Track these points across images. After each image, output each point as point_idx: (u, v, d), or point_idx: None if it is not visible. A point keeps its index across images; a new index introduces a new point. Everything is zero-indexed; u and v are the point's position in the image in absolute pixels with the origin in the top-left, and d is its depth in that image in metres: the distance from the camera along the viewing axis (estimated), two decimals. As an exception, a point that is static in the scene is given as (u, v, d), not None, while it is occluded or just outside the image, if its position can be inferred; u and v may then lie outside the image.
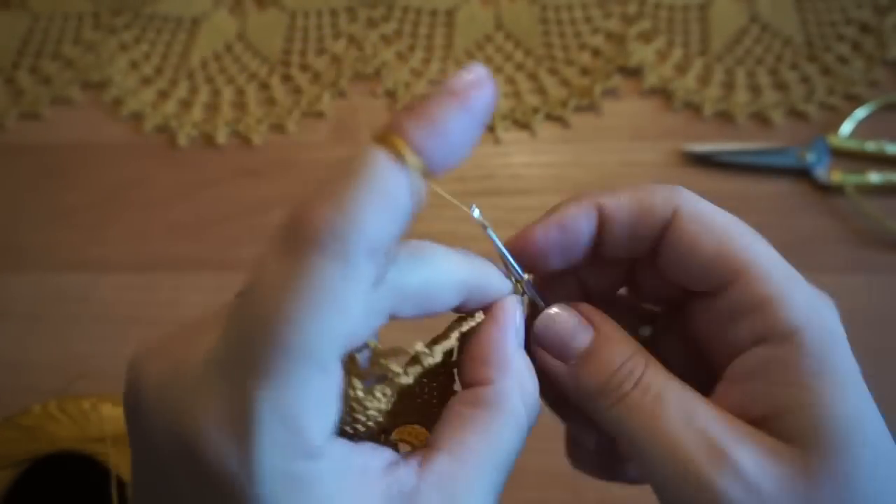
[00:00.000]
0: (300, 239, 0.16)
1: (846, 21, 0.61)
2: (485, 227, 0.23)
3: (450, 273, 0.20)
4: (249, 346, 0.16)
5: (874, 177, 0.54)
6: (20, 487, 0.41)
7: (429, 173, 0.17)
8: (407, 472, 0.19)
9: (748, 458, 0.19)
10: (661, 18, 0.63)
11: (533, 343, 0.23)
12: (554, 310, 0.23)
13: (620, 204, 0.22)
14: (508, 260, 0.23)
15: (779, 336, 0.19)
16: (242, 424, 0.16)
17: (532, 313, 0.24)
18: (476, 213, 0.23)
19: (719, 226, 0.21)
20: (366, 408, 0.20)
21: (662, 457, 0.20)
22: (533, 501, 0.46)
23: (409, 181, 0.16)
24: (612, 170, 0.57)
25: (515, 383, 0.21)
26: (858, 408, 0.18)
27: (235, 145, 0.60)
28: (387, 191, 0.16)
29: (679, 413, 0.20)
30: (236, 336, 0.17)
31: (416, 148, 0.17)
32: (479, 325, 0.22)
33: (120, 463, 0.40)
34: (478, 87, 0.18)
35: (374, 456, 0.19)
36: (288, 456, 0.16)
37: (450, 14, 0.65)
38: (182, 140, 0.60)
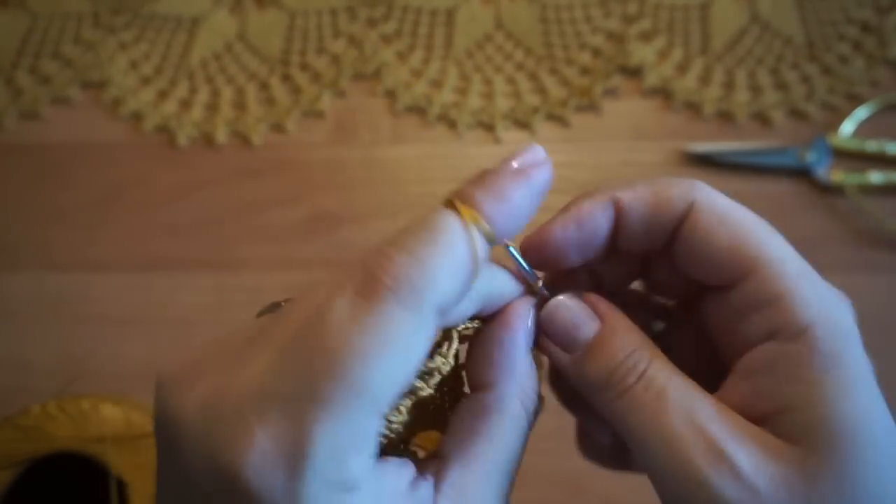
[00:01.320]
0: (379, 285, 0.17)
1: (847, 20, 0.61)
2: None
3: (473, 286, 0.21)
4: (312, 378, 0.17)
5: (875, 177, 0.54)
6: (20, 487, 0.41)
7: (494, 240, 0.19)
8: (426, 487, 0.19)
9: (747, 458, 0.19)
10: (662, 18, 0.63)
11: (541, 333, 0.23)
12: (561, 298, 0.23)
13: (637, 197, 0.22)
14: (521, 263, 0.23)
15: (789, 332, 0.19)
16: (296, 455, 0.16)
17: (541, 305, 0.23)
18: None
19: (735, 220, 0.21)
20: (391, 422, 0.20)
21: (662, 454, 0.20)
22: (533, 501, 0.46)
23: (478, 247, 0.18)
24: (612, 170, 0.57)
25: (518, 387, 0.21)
26: (866, 408, 0.18)
27: (235, 145, 0.60)
28: (459, 254, 0.18)
29: (680, 410, 0.20)
30: (296, 367, 0.17)
31: (485, 216, 0.19)
32: (486, 325, 0.22)
33: (119, 463, 0.40)
34: (539, 165, 0.20)
35: (401, 475, 0.19)
36: (332, 489, 0.16)
37: (450, 14, 0.64)
38: (181, 140, 0.60)
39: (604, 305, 0.23)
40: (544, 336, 0.23)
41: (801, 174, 0.55)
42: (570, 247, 0.23)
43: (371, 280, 0.17)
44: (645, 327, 0.23)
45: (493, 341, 0.22)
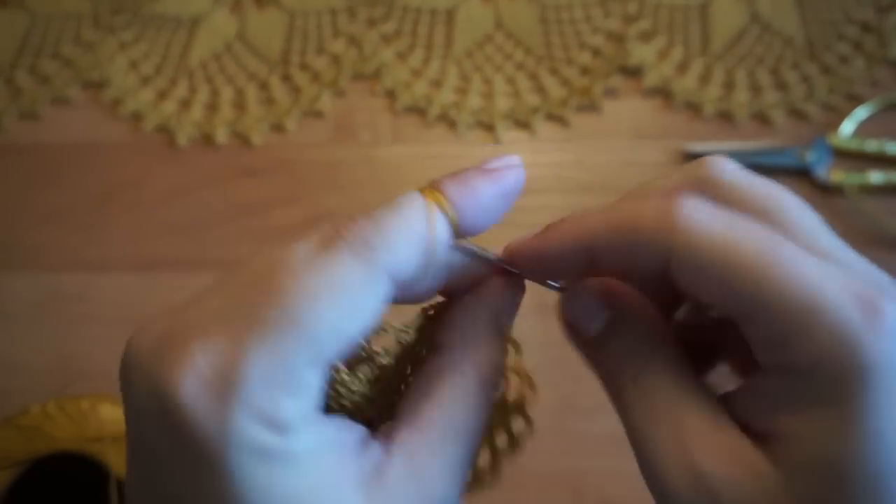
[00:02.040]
0: (338, 238, 0.18)
1: (847, 20, 0.61)
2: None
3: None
4: (255, 305, 0.17)
5: (875, 177, 0.53)
6: (19, 487, 0.41)
7: (456, 225, 0.20)
8: (376, 447, 0.19)
9: (723, 482, 0.18)
10: (661, 18, 0.63)
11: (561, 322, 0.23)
12: (574, 289, 0.22)
13: (610, 244, 0.20)
14: (485, 255, 0.23)
15: (788, 369, 0.18)
16: (228, 377, 0.16)
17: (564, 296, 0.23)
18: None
19: (724, 263, 0.18)
20: (350, 389, 0.20)
21: (645, 463, 0.20)
22: (533, 501, 0.46)
23: (437, 225, 0.19)
24: (612, 169, 0.57)
25: (474, 352, 0.21)
26: (857, 451, 0.17)
27: (235, 145, 0.60)
28: (416, 227, 0.19)
29: (666, 421, 0.19)
30: (244, 296, 0.18)
31: (450, 202, 0.20)
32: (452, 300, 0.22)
33: (119, 463, 0.40)
34: (511, 168, 0.21)
35: (349, 431, 0.19)
36: (263, 424, 0.17)
37: (450, 14, 0.64)
38: (181, 140, 0.60)
39: (617, 294, 0.22)
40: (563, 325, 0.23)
41: (801, 174, 0.55)
42: (543, 274, 0.22)
43: (333, 234, 0.18)
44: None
45: (455, 307, 0.22)
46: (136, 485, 0.19)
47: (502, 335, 0.22)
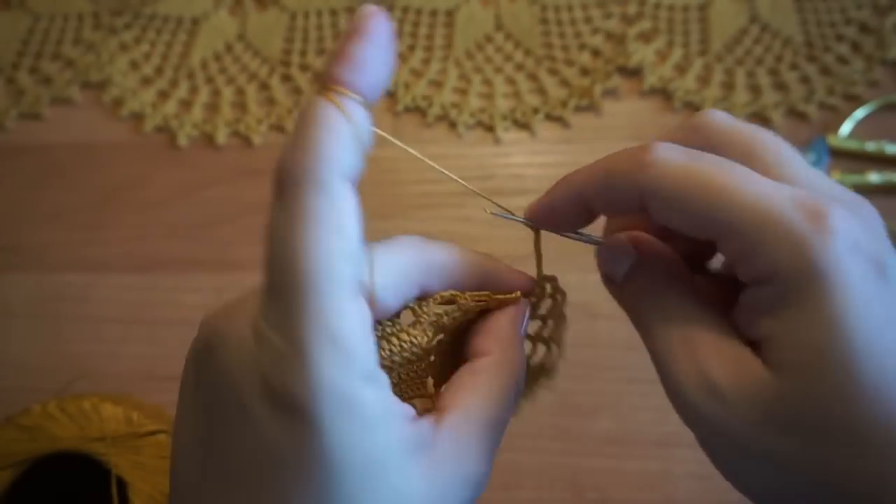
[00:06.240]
0: (285, 184, 0.19)
1: (846, 21, 0.61)
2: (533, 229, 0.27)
3: (467, 255, 0.25)
4: (274, 281, 0.19)
5: (874, 177, 0.54)
6: (20, 487, 0.41)
7: (367, 103, 0.21)
8: (427, 424, 0.21)
9: (727, 380, 0.21)
10: (661, 18, 0.63)
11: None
12: (606, 240, 0.26)
13: (594, 190, 0.24)
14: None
15: (761, 280, 0.21)
16: (295, 347, 0.18)
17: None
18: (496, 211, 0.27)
19: (690, 194, 0.21)
20: (402, 349, 0.23)
21: (666, 377, 0.23)
22: (533, 501, 0.46)
23: (356, 117, 0.20)
24: (611, 170, 0.57)
25: (510, 359, 0.25)
26: (830, 342, 0.19)
27: (235, 145, 0.60)
28: (339, 129, 0.20)
29: (680, 340, 0.22)
30: (265, 280, 0.19)
31: (351, 88, 0.21)
32: (492, 311, 0.26)
33: (120, 463, 0.40)
34: (372, 19, 0.21)
35: (403, 405, 0.21)
36: (345, 375, 0.18)
37: (450, 14, 0.65)
38: (182, 140, 0.60)
39: (641, 241, 0.25)
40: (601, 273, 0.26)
41: (801, 174, 0.55)
42: (558, 225, 0.26)
43: (280, 183, 0.20)
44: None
45: (497, 320, 0.26)
46: (192, 454, 0.21)
47: (523, 345, 0.26)
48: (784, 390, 0.20)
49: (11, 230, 0.58)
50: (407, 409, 0.21)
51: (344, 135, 0.20)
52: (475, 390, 0.23)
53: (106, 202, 0.59)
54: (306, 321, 0.18)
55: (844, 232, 0.19)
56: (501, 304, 0.26)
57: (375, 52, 0.21)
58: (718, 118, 0.23)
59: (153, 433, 0.42)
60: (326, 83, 0.21)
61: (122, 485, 0.40)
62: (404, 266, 0.23)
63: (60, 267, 0.56)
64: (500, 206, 0.26)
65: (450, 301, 0.24)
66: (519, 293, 0.26)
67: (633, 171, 0.22)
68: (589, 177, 0.24)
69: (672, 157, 0.21)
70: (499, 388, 0.24)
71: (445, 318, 0.24)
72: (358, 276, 0.20)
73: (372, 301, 0.21)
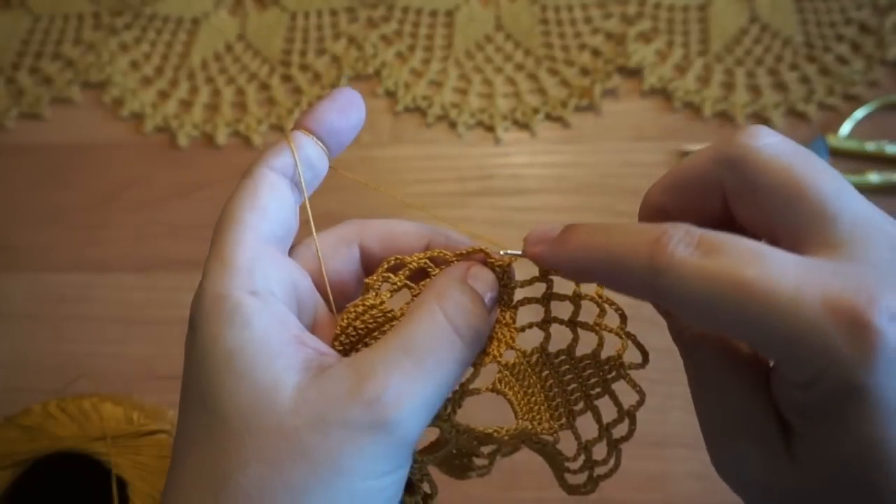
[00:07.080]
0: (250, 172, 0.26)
1: (846, 21, 0.61)
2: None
3: (410, 225, 0.28)
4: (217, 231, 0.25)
5: (874, 177, 0.54)
6: (20, 487, 0.41)
7: (324, 149, 0.27)
8: (332, 356, 0.23)
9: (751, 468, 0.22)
10: (661, 18, 0.63)
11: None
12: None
13: (600, 279, 0.23)
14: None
15: (796, 385, 0.20)
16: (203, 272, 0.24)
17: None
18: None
19: (702, 308, 0.20)
20: (367, 318, 0.25)
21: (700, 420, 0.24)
22: (532, 501, 0.46)
23: (305, 148, 0.27)
24: (611, 170, 0.57)
25: (439, 300, 0.24)
26: (860, 456, 0.19)
27: (235, 145, 0.60)
28: (281, 148, 0.26)
29: (711, 394, 0.23)
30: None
31: (310, 132, 0.27)
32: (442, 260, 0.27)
33: (120, 462, 0.40)
34: (345, 95, 0.27)
35: (301, 333, 0.23)
36: (224, 284, 0.23)
37: (450, 14, 0.65)
38: (182, 140, 0.60)
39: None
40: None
41: (801, 174, 0.55)
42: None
43: (249, 170, 0.26)
44: None
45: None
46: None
47: (469, 289, 0.25)
48: (803, 494, 0.21)
49: (11, 230, 0.58)
50: (305, 337, 0.23)
51: (282, 150, 0.26)
52: (396, 329, 0.24)
53: (106, 202, 0.59)
54: (210, 250, 0.25)
55: (891, 340, 0.17)
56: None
57: (335, 115, 0.27)
58: (756, 152, 0.22)
59: (153, 433, 0.42)
60: (294, 127, 0.27)
61: (122, 484, 0.40)
62: (341, 231, 0.28)
63: (60, 267, 0.56)
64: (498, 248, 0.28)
65: (397, 266, 0.26)
66: (482, 250, 0.27)
67: (645, 275, 0.20)
68: (601, 258, 0.22)
69: (687, 262, 0.19)
70: (413, 323, 0.23)
71: (394, 280, 0.26)
72: (269, 229, 0.25)
73: (318, 258, 0.26)
